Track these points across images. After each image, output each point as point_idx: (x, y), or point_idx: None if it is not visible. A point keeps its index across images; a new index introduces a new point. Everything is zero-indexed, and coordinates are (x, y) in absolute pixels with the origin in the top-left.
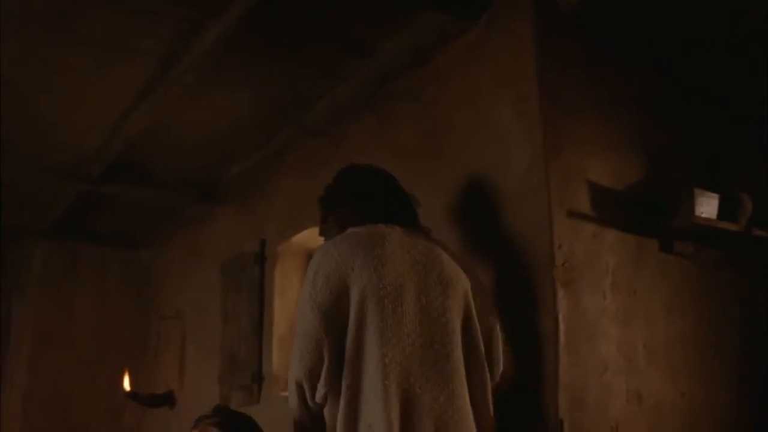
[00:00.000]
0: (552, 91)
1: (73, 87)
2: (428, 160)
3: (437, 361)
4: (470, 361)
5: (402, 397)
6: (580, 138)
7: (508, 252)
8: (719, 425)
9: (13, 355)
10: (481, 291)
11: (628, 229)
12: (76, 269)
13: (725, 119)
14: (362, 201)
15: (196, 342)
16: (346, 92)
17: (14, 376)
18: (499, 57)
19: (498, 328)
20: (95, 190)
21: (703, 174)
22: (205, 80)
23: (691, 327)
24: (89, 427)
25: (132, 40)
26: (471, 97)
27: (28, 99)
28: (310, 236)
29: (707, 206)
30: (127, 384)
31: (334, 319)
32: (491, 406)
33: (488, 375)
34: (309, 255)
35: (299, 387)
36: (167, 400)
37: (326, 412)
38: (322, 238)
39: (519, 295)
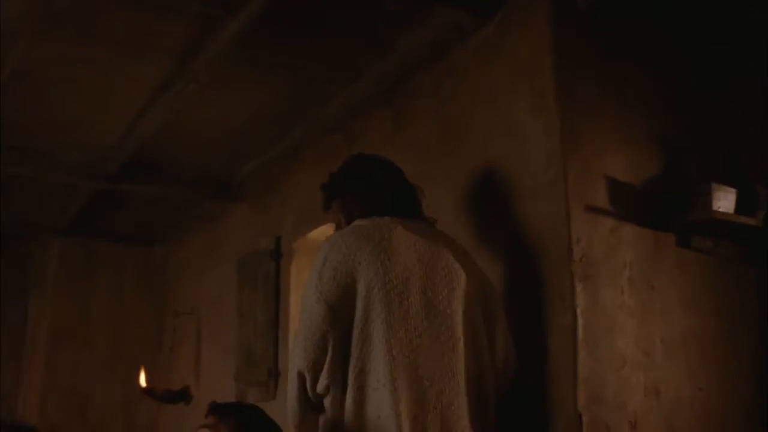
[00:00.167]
0: (569, 86)
1: (90, 84)
2: (445, 155)
3: (443, 354)
4: (474, 354)
5: (410, 389)
6: (597, 133)
7: (526, 247)
8: (737, 420)
9: (30, 352)
10: (486, 284)
11: (646, 223)
12: (92, 266)
13: (742, 113)
14: (370, 192)
15: (212, 338)
16: (362, 88)
17: (31, 373)
18: (516, 52)
19: (503, 321)
20: (111, 187)
21: (721, 168)
22: (221, 77)
23: (709, 322)
24: (105, 423)
25: (149, 37)
26: (488, 92)
27: (46, 96)
28: (326, 232)
29: (725, 200)
30: (143, 380)
31: (340, 312)
32: (494, 400)
33: (492, 369)
34: None
35: (301, 377)
36: (183, 396)
37: (327, 403)
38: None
39: (537, 289)
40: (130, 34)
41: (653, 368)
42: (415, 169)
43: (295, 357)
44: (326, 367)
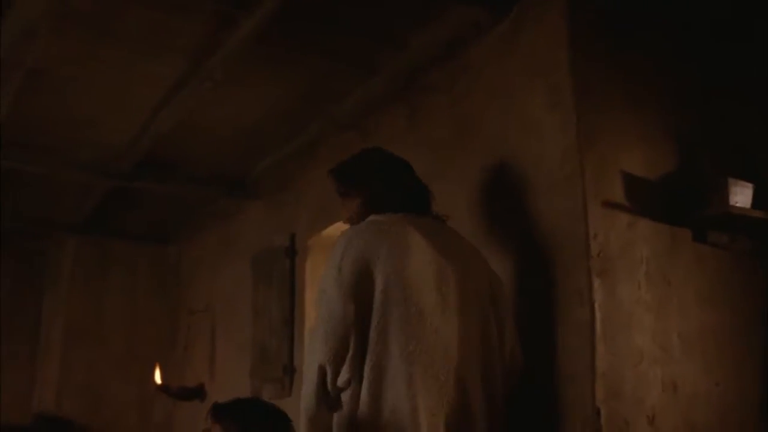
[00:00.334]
0: (584, 82)
1: (105, 83)
2: (459, 152)
3: (459, 351)
4: (486, 353)
5: (426, 385)
6: (613, 129)
7: (543, 242)
8: (753, 415)
9: (45, 350)
10: (496, 282)
11: (662, 219)
12: (106, 265)
13: (758, 108)
14: (387, 189)
15: (226, 335)
16: (378, 85)
17: (46, 371)
18: (532, 49)
19: (512, 320)
20: (125, 185)
21: (737, 163)
22: (235, 74)
23: (725, 317)
24: (120, 421)
25: (164, 35)
26: (503, 89)
27: (61, 95)
28: (340, 229)
29: (741, 195)
30: (158, 377)
31: (360, 305)
32: (502, 399)
33: (501, 368)
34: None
35: (321, 371)
36: (198, 393)
37: (345, 397)
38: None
39: (555, 285)
40: (145, 33)
41: (670, 363)
42: (429, 166)
43: (314, 351)
44: (348, 360)
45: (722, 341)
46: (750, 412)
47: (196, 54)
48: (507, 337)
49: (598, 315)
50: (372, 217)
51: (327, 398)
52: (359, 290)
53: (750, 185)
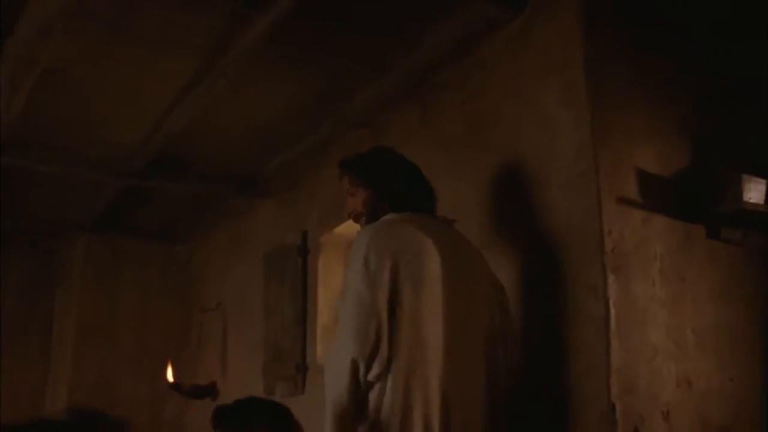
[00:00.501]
0: (599, 79)
1: (119, 82)
2: (472, 149)
3: (470, 350)
4: (492, 353)
5: (440, 383)
6: (627, 125)
7: (558, 239)
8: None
9: (57, 347)
10: (498, 284)
11: (676, 215)
12: (118, 263)
13: None
14: (403, 186)
15: (238, 333)
16: (390, 83)
17: (59, 369)
18: (545, 45)
19: (513, 323)
20: (138, 184)
21: (750, 160)
22: (248, 73)
23: (739, 313)
24: (132, 418)
25: (179, 34)
26: (516, 86)
27: (75, 93)
28: (353, 227)
29: (755, 192)
30: (170, 375)
31: (390, 302)
32: (504, 399)
33: (505, 368)
34: (351, 245)
35: (354, 365)
36: (210, 391)
37: (374, 392)
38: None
39: (569, 280)
40: (159, 32)
41: (684, 359)
42: (442, 164)
43: (344, 346)
44: (380, 353)
45: (736, 337)
46: (763, 407)
47: (210, 53)
48: (510, 340)
49: (612, 311)
50: (389, 216)
51: (357, 393)
52: (389, 286)
53: (763, 181)
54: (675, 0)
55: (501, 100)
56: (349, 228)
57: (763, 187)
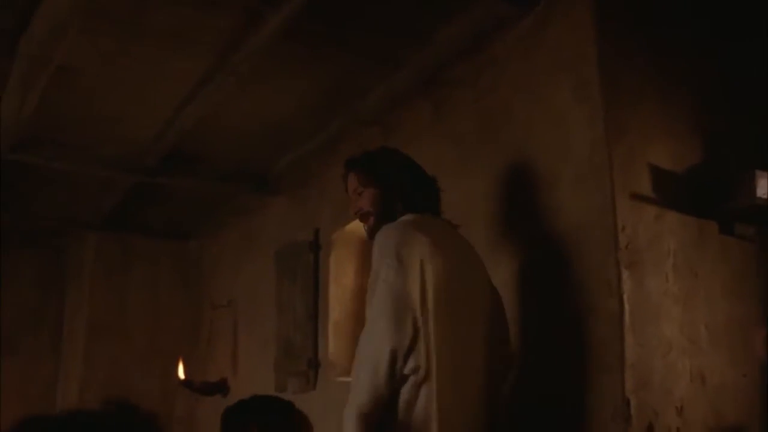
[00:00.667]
0: (613, 76)
1: (131, 79)
2: (484, 146)
3: (478, 351)
4: (492, 353)
5: (455, 381)
6: (640, 122)
7: (572, 234)
8: None
9: (69, 345)
10: (493, 286)
11: (689, 211)
12: (128, 260)
13: None
14: (413, 185)
15: (249, 330)
16: (402, 80)
17: (70, 367)
18: (558, 42)
19: (507, 323)
20: (149, 181)
21: (763, 156)
22: (260, 70)
23: (752, 309)
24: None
25: (192, 31)
26: (529, 82)
27: (87, 91)
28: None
29: None
30: (181, 372)
31: (423, 299)
32: (502, 399)
33: (503, 368)
34: (363, 242)
35: (393, 355)
36: (221, 388)
37: (408, 385)
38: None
39: (584, 276)
40: (172, 29)
41: (698, 354)
42: (454, 160)
43: (383, 338)
44: (417, 348)
45: (749, 333)
46: None
47: (222, 50)
48: (506, 341)
49: (627, 306)
50: (407, 217)
51: (393, 384)
52: (421, 283)
53: None
54: None
55: (513, 97)
56: (360, 225)
57: None
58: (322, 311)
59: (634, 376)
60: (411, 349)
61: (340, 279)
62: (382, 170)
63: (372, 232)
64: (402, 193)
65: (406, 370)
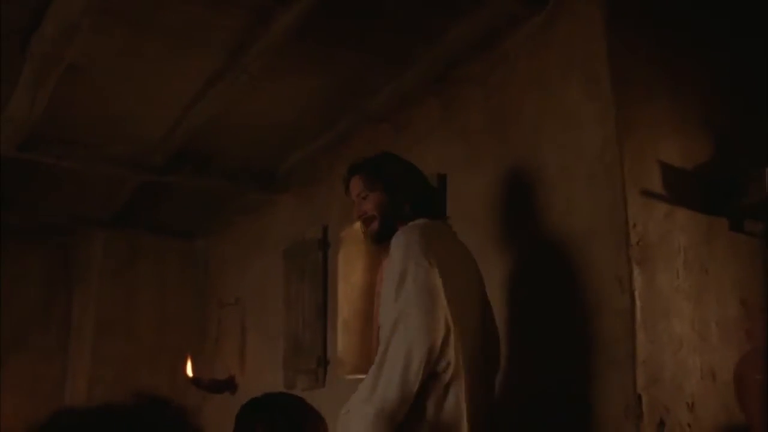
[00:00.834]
0: (623, 73)
1: (142, 78)
2: (494, 143)
3: (481, 350)
4: (487, 356)
5: (469, 379)
6: (651, 119)
7: (583, 231)
8: None
9: (76, 343)
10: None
11: (699, 208)
12: (136, 259)
13: None
14: (423, 192)
15: (257, 328)
16: (412, 77)
17: (78, 364)
18: (569, 39)
19: (494, 317)
20: (158, 179)
21: None
22: (271, 68)
23: (763, 306)
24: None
25: (203, 30)
26: (540, 79)
27: (98, 90)
28: None
29: None
30: (189, 370)
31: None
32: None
33: (494, 367)
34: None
35: (429, 353)
36: (229, 385)
37: (437, 385)
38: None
39: (595, 272)
40: (183, 28)
41: (709, 351)
42: (463, 158)
43: (418, 336)
44: (448, 345)
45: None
46: None
47: (233, 49)
48: (496, 345)
49: (638, 303)
50: (421, 221)
51: (421, 382)
52: (446, 285)
53: None
54: None
55: (523, 95)
56: None
57: None
58: (331, 309)
59: (645, 373)
60: (444, 346)
61: (349, 276)
62: (387, 174)
63: (377, 236)
64: (410, 197)
65: (438, 368)
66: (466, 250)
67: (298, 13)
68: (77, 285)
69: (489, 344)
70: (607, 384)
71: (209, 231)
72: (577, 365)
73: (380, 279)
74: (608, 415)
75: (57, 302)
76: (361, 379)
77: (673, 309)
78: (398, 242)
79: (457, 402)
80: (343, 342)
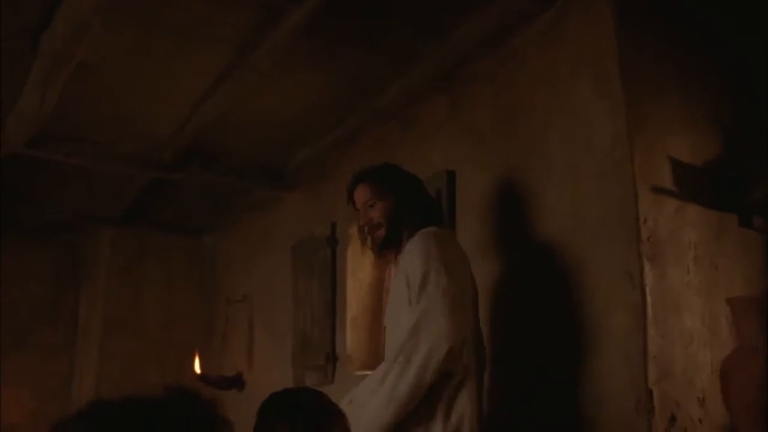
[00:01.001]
0: (633, 70)
1: (151, 75)
2: (503, 140)
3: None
4: (480, 352)
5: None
6: (660, 115)
7: (594, 227)
8: None
9: (84, 341)
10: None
11: (709, 204)
12: (143, 256)
13: None
14: (428, 200)
15: (265, 325)
16: (420, 75)
17: (85, 362)
18: (578, 36)
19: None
20: (166, 177)
21: None
22: (279, 66)
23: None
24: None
25: (212, 27)
26: (549, 76)
27: (107, 87)
28: None
29: None
30: (197, 366)
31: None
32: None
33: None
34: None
35: (450, 354)
36: (237, 382)
37: (449, 385)
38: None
39: (606, 268)
40: (192, 25)
41: (719, 346)
42: (471, 155)
43: (441, 337)
44: (465, 348)
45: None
46: None
47: (242, 46)
48: (481, 332)
49: (649, 298)
50: (432, 228)
51: (433, 381)
52: (461, 290)
53: None
54: None
55: (533, 91)
56: None
57: None
58: (340, 305)
59: (656, 367)
60: (461, 350)
61: (357, 273)
62: (394, 184)
63: (383, 242)
64: (416, 205)
65: (454, 370)
66: (466, 255)
67: (307, 10)
68: (85, 282)
69: (480, 345)
70: (619, 379)
71: (217, 228)
72: (589, 360)
73: (389, 276)
74: (620, 411)
75: (64, 300)
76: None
77: (683, 304)
78: (416, 247)
79: (469, 401)
80: (351, 338)
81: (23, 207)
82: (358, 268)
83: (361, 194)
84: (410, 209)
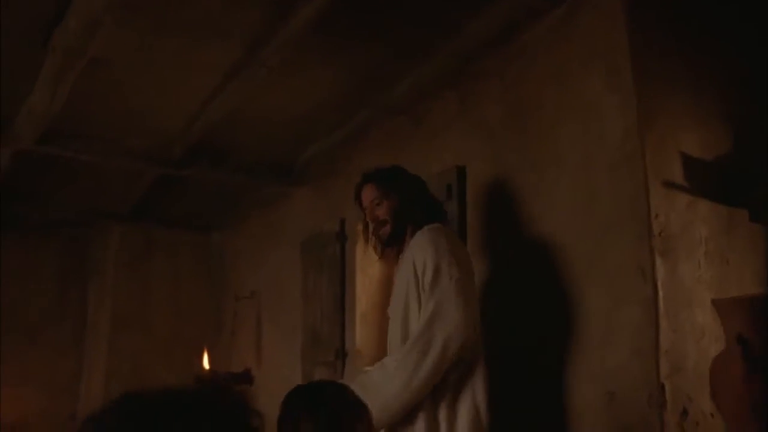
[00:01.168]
0: (644, 64)
1: (161, 72)
2: (513, 135)
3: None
4: None
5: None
6: (671, 110)
7: (606, 222)
8: None
9: (92, 337)
10: None
11: (719, 199)
12: (151, 252)
13: None
14: (430, 201)
15: (273, 321)
16: (430, 70)
17: (94, 358)
18: (589, 31)
19: None
20: (176, 173)
21: None
22: (289, 62)
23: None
24: None
25: (222, 24)
26: (559, 72)
27: (117, 84)
28: None
29: None
30: (206, 362)
31: None
32: None
33: None
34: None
35: (465, 344)
36: (245, 378)
37: (456, 374)
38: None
39: (618, 263)
40: (203, 22)
41: None
42: (482, 150)
43: (458, 328)
44: (477, 337)
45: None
46: None
47: (252, 42)
48: None
49: (660, 293)
50: (437, 225)
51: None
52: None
53: None
54: None
55: (543, 87)
56: None
57: None
58: (349, 301)
59: (668, 362)
60: (475, 339)
61: (367, 269)
62: (400, 184)
63: (389, 238)
64: (421, 204)
65: (467, 359)
66: (467, 250)
67: (317, 6)
68: (93, 278)
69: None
70: (631, 373)
71: (225, 224)
72: (601, 354)
73: (397, 271)
74: (632, 404)
75: (73, 296)
76: None
77: (695, 299)
78: (425, 240)
79: (482, 383)
80: (361, 334)
81: (32, 204)
82: (368, 264)
83: (368, 193)
84: (414, 208)
